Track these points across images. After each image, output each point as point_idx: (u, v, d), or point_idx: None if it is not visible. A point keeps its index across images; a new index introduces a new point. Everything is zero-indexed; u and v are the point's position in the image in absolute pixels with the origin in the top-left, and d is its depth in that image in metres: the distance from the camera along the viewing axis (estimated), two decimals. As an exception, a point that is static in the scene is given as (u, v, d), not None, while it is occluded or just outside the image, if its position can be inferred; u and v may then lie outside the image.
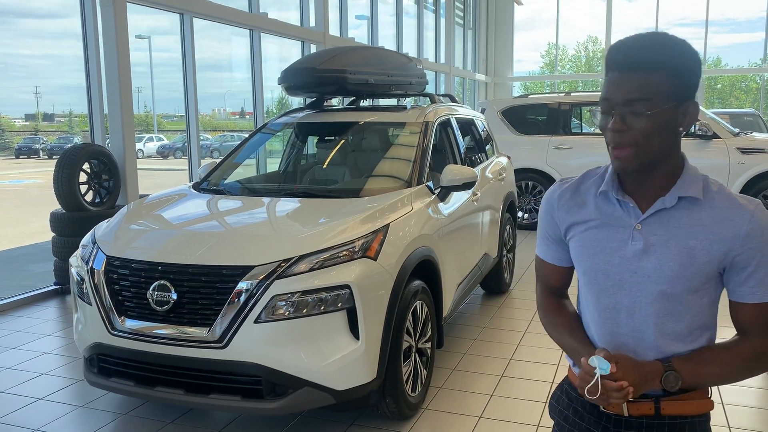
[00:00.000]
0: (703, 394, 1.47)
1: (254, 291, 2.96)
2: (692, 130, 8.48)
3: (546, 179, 9.09)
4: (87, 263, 3.35)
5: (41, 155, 30.03)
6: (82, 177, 6.08)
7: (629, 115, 1.35)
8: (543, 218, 1.63)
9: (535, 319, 5.25)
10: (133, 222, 3.64)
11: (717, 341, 1.49)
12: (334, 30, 11.11)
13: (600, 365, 1.35)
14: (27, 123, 35.68)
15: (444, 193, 4.13)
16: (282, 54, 11.24)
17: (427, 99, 5.45)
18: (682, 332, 1.44)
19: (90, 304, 3.27)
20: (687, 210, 1.41)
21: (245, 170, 4.88)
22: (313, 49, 10.55)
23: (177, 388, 3.08)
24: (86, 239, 3.60)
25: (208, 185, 4.35)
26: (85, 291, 3.35)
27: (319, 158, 4.89)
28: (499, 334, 4.91)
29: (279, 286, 2.96)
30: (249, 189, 4.31)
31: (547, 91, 9.92)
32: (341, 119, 4.85)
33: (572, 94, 9.65)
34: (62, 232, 5.99)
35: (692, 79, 1.36)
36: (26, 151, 30.50)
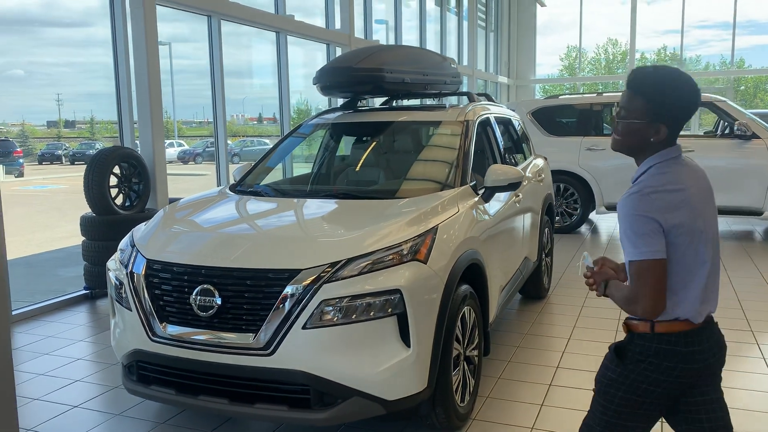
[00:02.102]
0: (640, 322, 1.99)
1: (301, 296, 2.83)
2: (731, 130, 8.24)
3: (578, 181, 8.89)
4: (126, 267, 3.25)
5: (64, 161, 30.29)
6: (113, 180, 6.01)
7: (620, 119, 2.00)
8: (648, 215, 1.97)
9: (578, 326, 5.08)
10: (172, 224, 3.54)
11: None
12: (358, 33, 11.01)
13: (586, 259, 2.18)
14: (49, 130, 36.08)
15: (488, 194, 3.98)
16: (306, 60, 11.18)
17: (464, 98, 5.30)
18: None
19: (129, 310, 3.16)
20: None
21: (280, 172, 4.77)
22: (339, 52, 10.46)
23: (221, 397, 2.96)
24: (124, 242, 3.50)
25: (244, 187, 4.24)
26: (123, 296, 3.25)
27: (356, 159, 4.76)
28: (542, 341, 4.74)
29: (327, 291, 2.83)
30: (286, 190, 4.20)
31: (567, 93, 9.75)
32: (378, 119, 4.72)
33: (604, 94, 9.44)
34: (92, 236, 5.92)
35: (665, 107, 1.92)
36: (49, 157, 30.77)
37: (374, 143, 4.72)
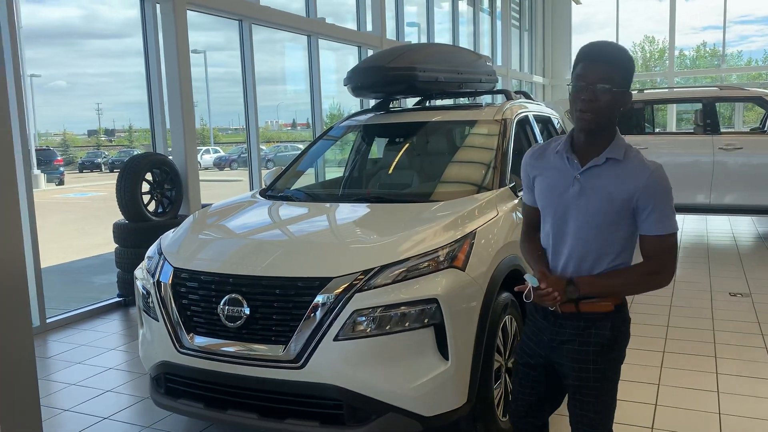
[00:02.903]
0: (609, 299, 2.08)
1: (333, 305, 2.69)
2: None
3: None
4: (153, 276, 3.14)
5: (103, 169, 30.87)
6: (145, 187, 5.97)
7: (599, 91, 1.96)
8: (522, 172, 2.29)
9: (624, 333, 4.83)
10: (200, 231, 3.43)
11: None
12: (390, 36, 10.87)
13: (531, 281, 2.05)
14: (89, 138, 36.84)
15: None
16: (338, 64, 11.11)
17: (500, 97, 5.11)
18: (600, 252, 2.06)
19: (156, 320, 3.06)
20: (611, 167, 2.03)
21: (310, 176, 4.65)
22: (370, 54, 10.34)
23: (250, 412, 2.83)
24: (152, 250, 3.41)
25: (275, 192, 4.12)
26: (151, 305, 3.14)
27: (389, 161, 4.60)
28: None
29: (360, 300, 2.68)
30: (317, 195, 4.08)
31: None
32: (411, 119, 4.56)
33: (645, 91, 9.12)
34: (125, 243, 5.89)
35: (631, 74, 2.02)
36: (89, 165, 31.41)
37: (407, 145, 4.56)
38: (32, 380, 2.88)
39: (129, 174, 5.80)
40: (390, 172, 4.40)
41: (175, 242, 3.31)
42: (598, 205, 2.01)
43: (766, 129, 8.35)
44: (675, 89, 10.65)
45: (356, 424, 2.71)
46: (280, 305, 2.76)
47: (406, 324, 2.69)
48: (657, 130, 9.49)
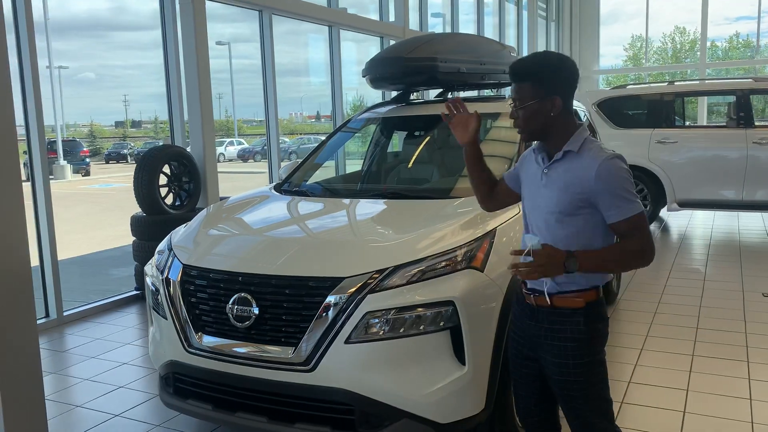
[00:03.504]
0: (579, 295, 2.12)
1: (344, 306, 2.57)
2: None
3: (648, 177, 8.33)
4: (162, 272, 3.06)
5: (129, 160, 31.17)
6: (162, 179, 5.91)
7: (516, 109, 2.15)
8: (518, 162, 2.40)
9: (652, 334, 4.65)
10: (212, 226, 3.34)
11: None
12: (413, 26, 10.69)
13: (531, 240, 2.02)
14: (116, 129, 37.23)
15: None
16: (360, 56, 10.97)
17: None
18: (571, 235, 2.09)
19: (165, 318, 2.97)
20: (568, 160, 2.11)
21: (327, 169, 4.53)
22: (393, 44, 10.18)
23: (259, 415, 2.73)
24: (162, 245, 3.33)
25: (290, 186, 4.02)
26: (160, 303, 3.06)
27: (408, 155, 4.46)
28: (613, 352, 4.35)
29: (373, 302, 2.56)
30: (333, 190, 3.95)
31: (633, 84, 9.20)
32: (431, 112, 4.41)
33: (676, 83, 8.84)
34: (142, 235, 5.84)
35: (553, 82, 2.09)
36: (115, 156, 31.72)
37: (427, 138, 4.42)
38: (37, 376, 2.84)
39: (146, 166, 5.75)
40: (408, 166, 4.26)
41: (185, 238, 3.22)
42: (557, 195, 2.10)
43: None
44: (707, 81, 10.33)
45: (368, 430, 2.60)
46: (290, 305, 2.66)
47: (421, 327, 2.57)
48: (687, 123, 9.19)
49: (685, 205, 8.22)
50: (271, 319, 2.68)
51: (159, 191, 5.82)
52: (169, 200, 6.01)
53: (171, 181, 6.03)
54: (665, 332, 4.69)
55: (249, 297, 2.71)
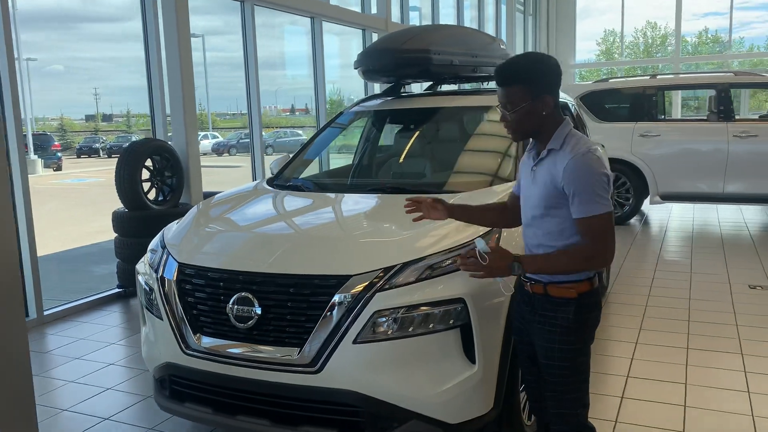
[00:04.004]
0: (572, 286, 2.18)
1: (351, 305, 2.49)
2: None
3: (631, 170, 8.37)
4: (156, 271, 2.94)
5: (101, 154, 30.58)
6: (144, 174, 5.75)
7: (505, 113, 2.18)
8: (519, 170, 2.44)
9: (645, 327, 4.65)
10: (207, 223, 3.22)
11: None
12: (395, 19, 10.59)
13: (479, 245, 2.11)
14: (87, 123, 36.48)
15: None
16: (340, 49, 10.85)
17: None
18: (551, 232, 2.18)
19: (161, 319, 2.86)
20: (551, 156, 2.17)
21: (319, 164, 4.43)
22: (375, 38, 10.07)
23: (262, 418, 2.64)
24: (155, 243, 3.21)
25: (283, 181, 3.91)
26: (154, 303, 2.95)
27: (402, 149, 4.37)
28: (607, 346, 4.34)
29: (381, 300, 2.48)
30: (328, 185, 3.86)
31: (614, 77, 9.20)
32: (424, 105, 4.34)
33: (659, 76, 8.88)
34: (125, 232, 5.68)
35: (542, 81, 2.14)
36: (87, 151, 31.10)
37: (421, 132, 4.34)
38: (27, 378, 2.70)
39: (128, 161, 5.59)
40: (402, 161, 4.17)
41: (180, 235, 3.11)
42: (540, 191, 2.17)
43: None
44: (690, 74, 10.41)
45: (376, 432, 2.53)
46: (294, 305, 2.57)
47: (431, 325, 2.50)
48: (668, 116, 9.25)
49: (667, 198, 8.28)
50: (274, 319, 2.59)
51: (142, 186, 5.66)
52: (151, 195, 5.86)
53: (153, 176, 5.87)
54: (658, 326, 4.70)
55: (250, 296, 2.61)
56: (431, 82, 5.10)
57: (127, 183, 5.55)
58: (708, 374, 3.86)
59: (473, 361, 2.54)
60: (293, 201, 3.52)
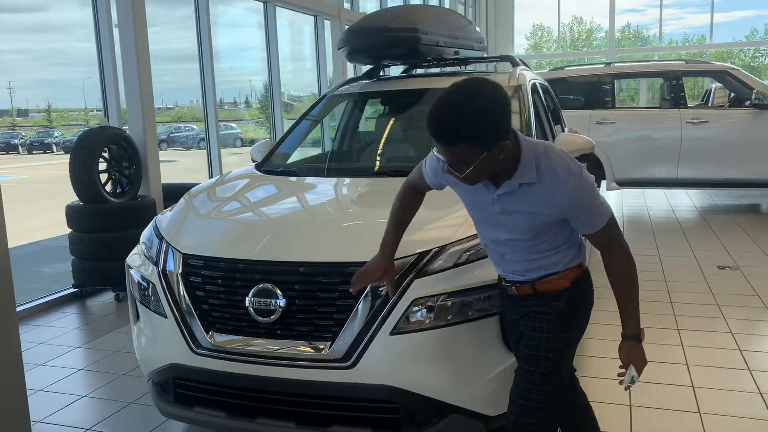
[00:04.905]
0: (562, 276, 2.06)
1: (388, 294, 2.30)
2: (749, 101, 7.89)
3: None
4: (157, 264, 2.66)
5: (20, 150, 28.91)
6: (101, 165, 5.34)
7: (454, 170, 1.85)
8: (431, 170, 2.17)
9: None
10: (210, 211, 2.95)
11: None
12: (345, 5, 10.36)
13: (636, 378, 2.06)
14: (1, 119, 34.42)
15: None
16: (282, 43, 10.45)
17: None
18: (538, 250, 2.03)
19: (163, 316, 2.58)
20: (527, 190, 1.91)
21: (308, 150, 4.21)
22: (327, 25, 9.82)
23: (286, 420, 2.42)
24: (147, 236, 2.91)
25: (273, 167, 3.66)
26: (152, 299, 2.67)
27: (400, 133, 4.18)
28: (599, 330, 4.28)
29: (420, 287, 2.31)
30: (327, 169, 3.64)
31: (570, 66, 9.36)
32: (421, 86, 4.16)
33: (613, 65, 9.02)
34: (81, 227, 5.26)
35: (495, 131, 1.77)
36: (5, 147, 29.34)
37: (419, 114, 4.16)
38: (18, 367, 2.47)
39: (84, 151, 5.16)
40: (404, 144, 3.99)
41: (180, 224, 2.83)
42: (524, 223, 1.97)
43: (709, 103, 8.45)
44: (643, 63, 10.64)
45: (414, 429, 2.35)
46: (324, 295, 2.35)
47: (470, 313, 2.34)
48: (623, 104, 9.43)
49: (623, 184, 8.41)
50: (301, 311, 2.37)
51: (99, 178, 5.25)
52: (108, 187, 5.45)
53: (111, 167, 5.46)
54: (644, 308, 4.68)
55: (273, 288, 2.38)
56: (406, 66, 4.93)
57: (83, 175, 5.13)
58: (706, 354, 3.86)
59: (512, 350, 2.40)
60: (300, 186, 3.27)
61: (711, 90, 9.58)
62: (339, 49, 4.30)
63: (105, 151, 5.38)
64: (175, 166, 18.68)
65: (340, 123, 4.57)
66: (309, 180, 3.38)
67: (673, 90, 8.22)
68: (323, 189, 3.21)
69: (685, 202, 9.33)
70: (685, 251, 6.37)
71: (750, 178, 7.91)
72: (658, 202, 9.40)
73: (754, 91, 7.82)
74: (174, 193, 6.02)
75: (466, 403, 2.35)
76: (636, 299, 2.06)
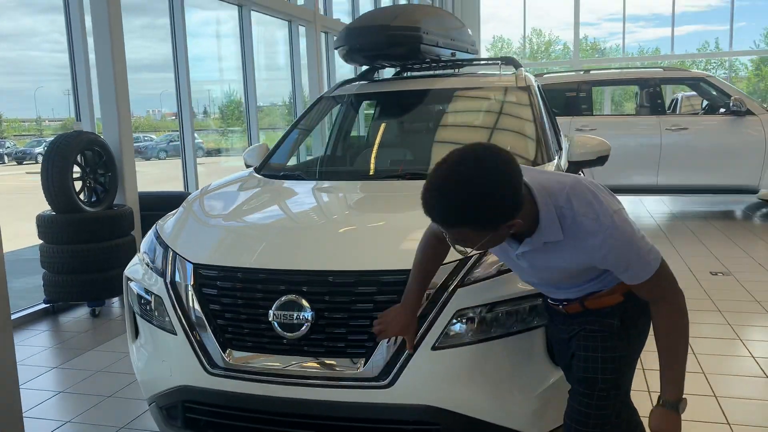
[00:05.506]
0: (614, 290, 1.85)
1: (429, 305, 2.11)
2: (725, 108, 7.97)
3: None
4: (163, 276, 2.41)
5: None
6: (75, 172, 5.02)
7: (464, 250, 1.69)
8: None
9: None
10: (219, 217, 2.71)
11: None
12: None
13: None
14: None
15: (573, 171, 3.36)
16: (229, 51, 10.15)
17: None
18: (581, 288, 1.85)
19: (172, 333, 2.33)
20: (554, 247, 1.72)
21: (304, 153, 3.98)
22: (302, 31, 9.61)
23: (313, 446, 2.20)
24: (148, 245, 2.65)
25: (275, 171, 3.42)
26: (155, 314, 2.42)
27: (411, 135, 3.97)
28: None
29: (462, 297, 2.12)
30: (336, 173, 3.43)
31: (549, 73, 9.42)
32: (422, 87, 3.99)
33: (592, 72, 9.04)
34: (53, 238, 4.92)
35: (501, 214, 1.55)
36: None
37: (428, 115, 3.98)
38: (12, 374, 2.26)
39: (57, 157, 4.83)
40: (415, 147, 3.78)
41: (186, 232, 2.58)
42: (559, 275, 1.82)
43: (677, 111, 8.53)
44: (623, 70, 10.74)
45: (455, 452, 2.15)
46: (357, 307, 2.14)
47: (514, 325, 2.16)
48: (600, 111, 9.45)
49: (605, 191, 8.39)
50: (331, 325, 2.16)
51: (73, 186, 4.93)
52: (82, 196, 5.12)
53: (85, 174, 5.14)
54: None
55: (300, 300, 2.16)
56: (398, 69, 4.77)
57: (57, 183, 4.80)
58: (719, 362, 3.77)
59: (558, 364, 2.23)
60: (313, 191, 3.04)
61: (678, 98, 9.70)
62: (336, 48, 4.11)
63: (80, 158, 5.06)
64: (140, 176, 18.10)
65: (342, 125, 4.36)
66: (321, 184, 3.15)
67: (651, 97, 8.25)
68: (337, 192, 2.99)
69: (661, 208, 9.37)
70: (674, 257, 6.33)
71: (729, 184, 7.97)
72: (636, 209, 9.42)
73: (732, 98, 7.89)
74: (150, 203, 5.73)
75: (510, 423, 2.17)
76: (683, 360, 1.79)
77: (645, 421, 1.94)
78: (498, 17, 22.57)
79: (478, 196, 1.51)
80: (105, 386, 3.68)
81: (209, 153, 19.82)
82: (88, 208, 5.03)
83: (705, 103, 8.76)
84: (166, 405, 2.43)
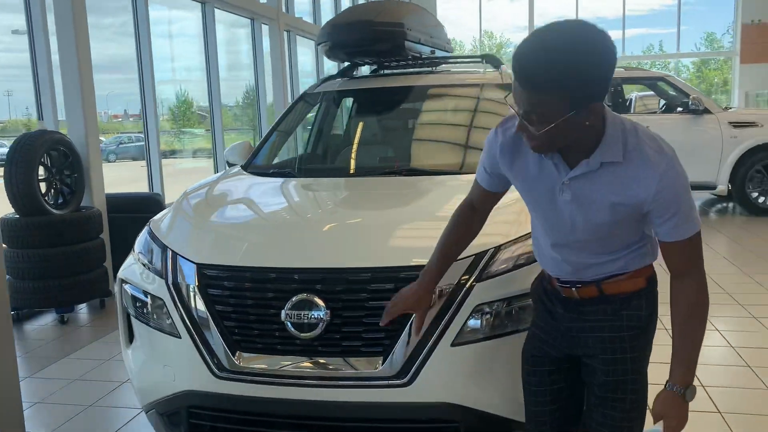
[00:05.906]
0: (637, 273, 1.72)
1: (448, 301, 2.07)
2: (686, 106, 8.19)
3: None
4: (164, 276, 2.31)
5: None
6: (40, 173, 4.81)
7: (529, 124, 1.48)
8: (487, 156, 1.81)
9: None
10: (220, 215, 2.61)
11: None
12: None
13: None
14: None
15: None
16: (179, 51, 9.91)
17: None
18: (605, 252, 1.69)
19: (176, 336, 2.23)
20: (609, 171, 1.57)
21: (291, 150, 3.91)
22: (266, 30, 9.47)
23: (329, 449, 2.14)
24: (143, 244, 2.54)
25: (264, 169, 3.33)
26: (154, 317, 2.32)
27: (398, 132, 3.92)
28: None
29: (482, 292, 2.09)
30: (330, 169, 3.36)
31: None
32: (412, 83, 3.95)
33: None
34: (18, 242, 4.70)
35: (594, 86, 1.44)
36: None
37: (416, 111, 3.94)
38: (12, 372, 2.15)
39: (22, 158, 4.62)
40: (406, 142, 3.73)
41: (184, 231, 2.49)
42: (599, 215, 1.61)
43: (632, 109, 8.77)
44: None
45: (474, 450, 2.12)
46: (374, 305, 2.09)
47: (531, 319, 2.14)
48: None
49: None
50: (347, 324, 2.10)
51: (39, 188, 4.72)
52: (48, 198, 4.91)
53: (51, 175, 4.93)
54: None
55: (314, 299, 2.09)
56: (375, 67, 4.72)
57: (21, 185, 4.59)
58: (703, 353, 3.82)
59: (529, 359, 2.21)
60: (311, 187, 2.96)
61: (633, 98, 9.93)
62: (319, 44, 4.03)
63: (45, 158, 4.85)
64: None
65: (331, 122, 4.29)
66: (320, 180, 3.08)
67: (613, 97, 8.42)
68: (338, 190, 2.92)
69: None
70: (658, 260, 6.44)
71: (691, 181, 8.19)
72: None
73: (691, 97, 8.12)
74: (118, 205, 5.54)
75: (530, 418, 2.15)
76: (699, 344, 1.68)
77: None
78: (448, 20, 22.86)
79: (586, 55, 1.40)
80: (84, 395, 3.53)
81: (163, 155, 19.37)
82: (54, 211, 4.83)
83: (662, 102, 8.98)
84: (167, 411, 2.32)
